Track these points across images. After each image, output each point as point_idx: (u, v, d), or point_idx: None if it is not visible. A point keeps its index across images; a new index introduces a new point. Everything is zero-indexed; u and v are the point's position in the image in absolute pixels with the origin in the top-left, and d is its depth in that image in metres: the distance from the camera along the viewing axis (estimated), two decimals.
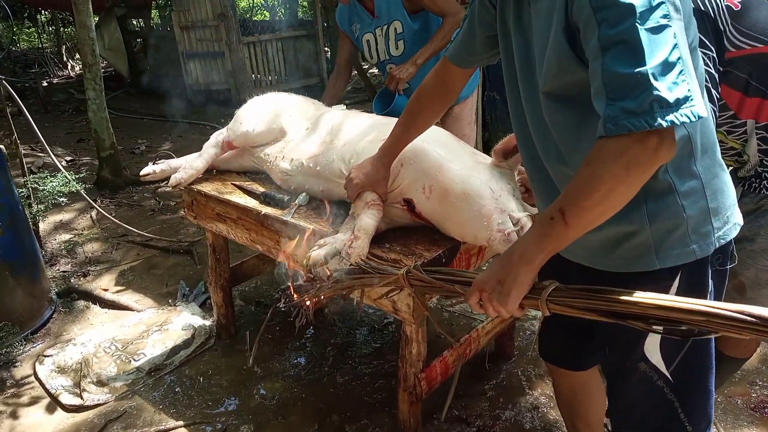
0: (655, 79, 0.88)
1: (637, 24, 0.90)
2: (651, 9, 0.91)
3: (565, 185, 1.01)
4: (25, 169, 3.48)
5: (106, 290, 3.15)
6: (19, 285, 2.72)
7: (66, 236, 3.91)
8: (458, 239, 1.76)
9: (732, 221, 1.18)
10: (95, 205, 3.91)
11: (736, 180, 1.68)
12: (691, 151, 1.11)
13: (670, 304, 0.97)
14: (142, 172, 2.36)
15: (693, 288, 1.15)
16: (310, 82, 8.54)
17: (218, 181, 2.34)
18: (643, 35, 0.89)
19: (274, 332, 2.69)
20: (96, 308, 3.00)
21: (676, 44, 0.91)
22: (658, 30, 0.90)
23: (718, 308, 0.93)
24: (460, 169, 1.70)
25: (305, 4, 11.62)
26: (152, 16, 11.08)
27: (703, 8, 1.48)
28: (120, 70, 9.43)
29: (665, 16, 0.92)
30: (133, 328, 2.72)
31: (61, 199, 3.43)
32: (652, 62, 0.89)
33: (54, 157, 3.77)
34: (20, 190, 3.10)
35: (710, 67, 1.48)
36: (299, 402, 2.25)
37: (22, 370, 2.52)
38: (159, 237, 3.81)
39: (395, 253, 1.74)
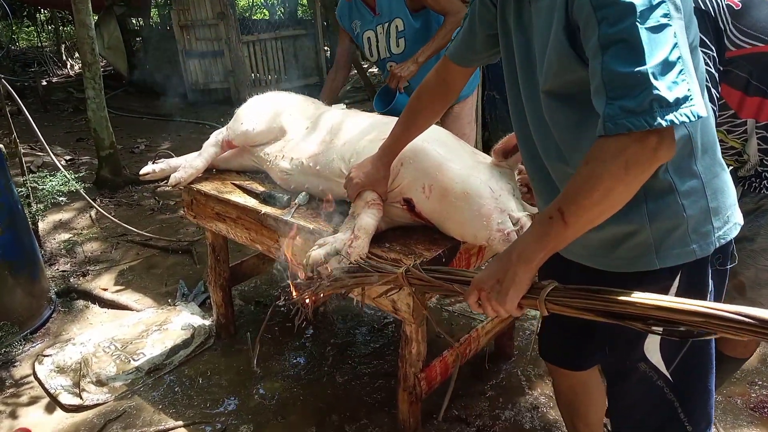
0: (655, 78, 0.88)
1: (637, 23, 0.89)
2: (651, 8, 0.90)
3: (565, 184, 1.01)
4: (25, 169, 3.47)
5: (105, 290, 3.15)
6: (18, 284, 2.72)
7: (65, 236, 3.91)
8: (458, 239, 1.76)
9: (732, 221, 1.18)
10: (94, 205, 3.91)
11: (736, 179, 1.68)
12: (692, 151, 1.11)
13: (669, 305, 0.97)
14: (141, 172, 2.36)
15: (693, 288, 1.15)
16: (310, 81, 8.54)
17: (218, 180, 2.34)
18: (643, 34, 0.89)
19: (273, 332, 2.69)
20: (95, 308, 3.00)
21: (676, 43, 0.91)
22: (658, 29, 0.90)
23: (717, 309, 0.93)
24: (460, 168, 1.70)
25: (305, 2, 11.60)
26: (152, 14, 11.07)
27: (703, 7, 1.47)
28: (119, 69, 9.42)
29: (665, 15, 0.91)
30: (132, 328, 2.72)
31: (61, 199, 3.42)
32: (652, 61, 0.88)
33: (53, 157, 3.76)
34: (19, 190, 3.10)
35: (710, 67, 1.48)
36: (299, 402, 2.25)
37: (21, 370, 2.52)
38: (158, 236, 3.81)
39: (395, 253, 1.74)
